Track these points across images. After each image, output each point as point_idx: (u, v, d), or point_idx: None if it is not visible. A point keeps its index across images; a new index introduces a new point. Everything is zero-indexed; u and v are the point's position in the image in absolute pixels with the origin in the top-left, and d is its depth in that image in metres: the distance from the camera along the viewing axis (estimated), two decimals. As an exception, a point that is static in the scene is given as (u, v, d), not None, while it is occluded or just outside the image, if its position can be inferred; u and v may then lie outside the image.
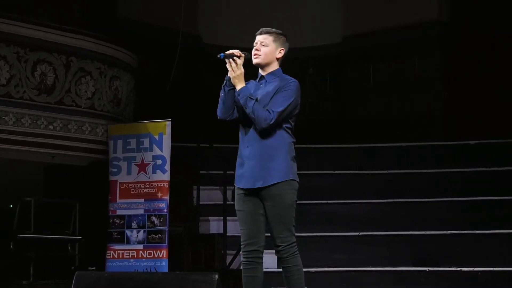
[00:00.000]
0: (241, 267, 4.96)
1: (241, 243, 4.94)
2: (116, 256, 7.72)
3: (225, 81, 4.96)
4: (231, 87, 4.92)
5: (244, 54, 4.94)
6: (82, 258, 8.19)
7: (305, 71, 11.28)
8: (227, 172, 8.30)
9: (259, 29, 5.08)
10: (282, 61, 5.10)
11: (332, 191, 8.86)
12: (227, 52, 4.92)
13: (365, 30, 10.95)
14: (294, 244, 4.89)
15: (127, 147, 7.86)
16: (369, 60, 10.97)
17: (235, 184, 5.02)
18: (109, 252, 7.75)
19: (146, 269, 7.55)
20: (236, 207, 4.99)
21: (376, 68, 10.96)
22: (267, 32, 5.04)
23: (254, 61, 5.01)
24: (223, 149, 9.02)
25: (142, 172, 7.75)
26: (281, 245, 4.87)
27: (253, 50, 5.01)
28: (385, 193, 8.79)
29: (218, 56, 4.91)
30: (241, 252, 4.97)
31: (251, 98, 4.85)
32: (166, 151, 7.71)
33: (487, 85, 10.05)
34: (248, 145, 4.93)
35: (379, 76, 10.92)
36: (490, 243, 7.84)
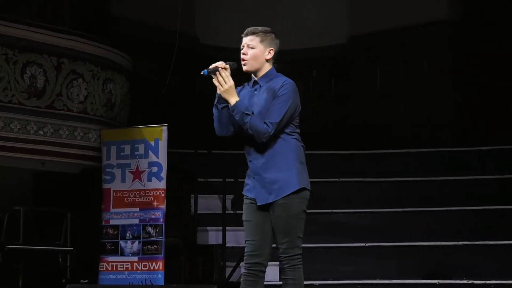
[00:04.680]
0: (241, 279, 4.96)
1: (245, 254, 4.94)
2: (109, 268, 7.73)
3: (216, 99, 4.90)
4: (224, 104, 4.88)
5: (230, 64, 4.85)
6: (73, 271, 8.19)
7: (309, 73, 11.31)
8: (226, 179, 8.33)
9: (245, 30, 5.00)
10: (275, 60, 5.01)
11: (337, 200, 8.88)
12: (210, 67, 4.85)
13: (372, 30, 10.99)
14: (297, 256, 4.87)
15: (121, 154, 7.87)
16: (376, 62, 11.00)
17: (243, 193, 5.02)
18: (102, 264, 7.76)
19: (141, 281, 7.56)
20: (244, 217, 4.99)
21: (383, 70, 10.99)
22: (252, 33, 4.95)
23: (244, 68, 4.95)
24: (222, 155, 9.04)
25: (137, 179, 7.77)
26: (281, 256, 4.87)
27: (241, 54, 4.96)
28: (393, 201, 8.81)
29: (201, 73, 4.84)
30: (243, 262, 4.97)
31: (247, 114, 4.81)
32: (162, 158, 7.72)
33: (501, 88, 10.06)
34: (252, 159, 4.94)
35: (386, 79, 10.95)
36: (504, 255, 7.86)
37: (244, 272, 4.94)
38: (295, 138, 4.94)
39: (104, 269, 7.75)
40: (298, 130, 4.97)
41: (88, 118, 8.14)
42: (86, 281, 7.97)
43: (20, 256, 7.92)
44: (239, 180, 8.38)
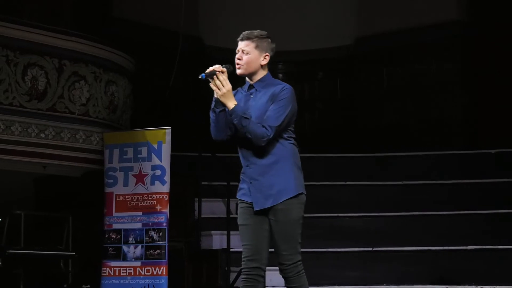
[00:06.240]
0: (241, 285, 4.97)
1: (242, 259, 4.96)
2: (112, 273, 7.74)
3: (213, 102, 4.92)
4: (221, 108, 4.90)
5: (226, 67, 4.88)
6: (75, 276, 8.21)
7: (314, 75, 11.32)
8: (231, 183, 8.33)
9: (241, 34, 5.01)
10: (270, 65, 5.06)
11: (344, 204, 8.88)
12: (207, 71, 4.87)
13: (379, 31, 10.99)
14: (299, 263, 4.90)
15: (124, 157, 7.89)
16: (383, 63, 11.00)
17: (238, 197, 5.04)
18: (105, 269, 7.77)
19: (144, 287, 7.57)
20: (240, 221, 5.01)
21: (391, 71, 10.98)
22: (248, 38, 4.97)
23: (238, 72, 4.98)
24: (226, 159, 9.03)
25: (140, 183, 7.78)
26: (285, 264, 4.89)
27: (235, 58, 4.98)
28: (400, 205, 8.81)
29: (199, 77, 4.87)
30: (241, 268, 4.98)
31: (246, 117, 4.83)
32: (165, 161, 7.73)
33: (510, 89, 10.05)
34: (248, 164, 4.96)
35: (393, 80, 10.94)
36: (513, 259, 7.87)
37: (243, 278, 4.95)
38: (292, 143, 4.98)
39: (107, 274, 7.76)
40: (294, 135, 5.01)
41: (90, 120, 8.16)
42: (88, 286, 7.98)
43: (21, 261, 7.94)
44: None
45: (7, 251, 7.75)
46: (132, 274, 7.67)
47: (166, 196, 7.68)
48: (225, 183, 8.36)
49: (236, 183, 8.28)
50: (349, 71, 11.27)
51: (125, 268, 7.70)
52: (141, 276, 7.63)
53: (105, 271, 7.77)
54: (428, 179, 9.22)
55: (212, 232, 8.47)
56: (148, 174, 7.76)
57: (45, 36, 7.84)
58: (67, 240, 8.21)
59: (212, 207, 8.77)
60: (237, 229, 8.28)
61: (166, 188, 7.69)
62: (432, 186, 9.12)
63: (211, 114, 4.95)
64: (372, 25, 11.03)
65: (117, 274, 7.72)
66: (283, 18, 11.06)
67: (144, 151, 7.82)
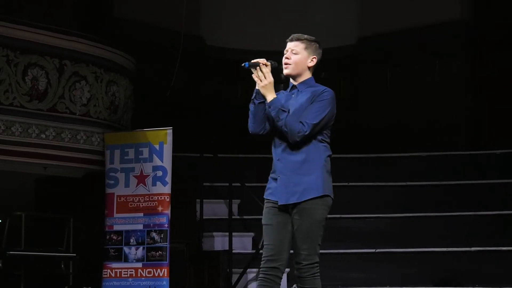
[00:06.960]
0: (257, 284, 4.99)
1: (262, 258, 4.99)
2: (113, 275, 7.74)
3: (254, 94, 5.01)
4: (261, 100, 4.98)
5: (271, 63, 4.98)
6: (76, 277, 8.21)
7: (316, 75, 11.30)
8: (233, 184, 8.34)
9: (290, 36, 5.13)
10: (315, 69, 5.16)
11: (346, 205, 8.86)
12: (252, 61, 4.96)
13: (381, 31, 10.98)
14: (317, 264, 4.93)
15: (125, 157, 7.89)
16: (386, 63, 10.99)
17: (265, 197, 5.08)
18: (106, 270, 7.77)
19: (146, 289, 7.59)
20: (264, 221, 5.04)
21: (394, 71, 10.98)
22: (298, 39, 5.10)
23: (285, 71, 5.08)
24: (228, 159, 9.05)
25: (141, 184, 7.78)
26: (302, 263, 4.91)
27: (283, 58, 5.07)
28: (404, 206, 8.80)
29: (242, 65, 4.96)
30: (260, 267, 5.00)
31: (283, 110, 4.91)
32: (167, 162, 7.73)
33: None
34: (279, 158, 5.00)
35: (396, 80, 10.94)
36: (517, 261, 7.86)
37: (260, 277, 4.98)
38: (325, 146, 5.04)
39: (108, 275, 7.76)
40: (328, 140, 5.07)
41: (91, 121, 8.15)
42: (89, 288, 7.98)
43: (21, 262, 7.94)
44: (246, 184, 8.41)
45: (8, 252, 7.75)
46: (134, 275, 7.67)
47: (167, 197, 7.67)
48: (227, 184, 8.37)
49: (238, 184, 8.35)
50: (351, 72, 11.26)
51: (126, 270, 7.70)
52: (143, 278, 7.63)
53: (106, 273, 7.77)
54: (431, 180, 9.21)
55: (214, 233, 8.47)
56: (149, 175, 7.76)
57: (45, 36, 7.84)
58: (68, 241, 8.21)
59: (213, 208, 8.76)
60: (239, 231, 8.38)
61: (167, 189, 7.69)
62: (435, 187, 9.11)
63: (251, 106, 5.04)
64: (374, 25, 11.03)
65: (118, 275, 7.72)
66: (285, 18, 11.05)
67: (145, 152, 7.82)
